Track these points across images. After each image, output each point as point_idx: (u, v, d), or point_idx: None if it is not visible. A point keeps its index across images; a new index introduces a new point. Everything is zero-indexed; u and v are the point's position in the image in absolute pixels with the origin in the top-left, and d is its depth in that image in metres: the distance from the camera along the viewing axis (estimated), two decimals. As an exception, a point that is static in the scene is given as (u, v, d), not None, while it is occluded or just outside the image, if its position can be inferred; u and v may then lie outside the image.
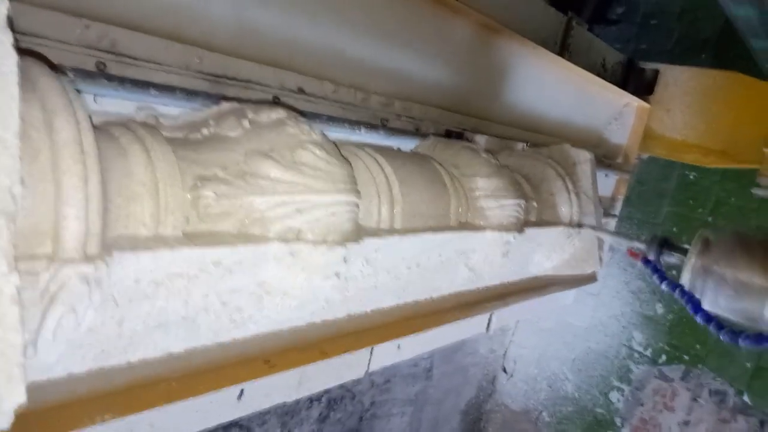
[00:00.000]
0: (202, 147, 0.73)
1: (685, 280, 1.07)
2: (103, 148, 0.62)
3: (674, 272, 1.14)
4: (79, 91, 0.79)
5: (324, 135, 0.83)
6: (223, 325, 0.77)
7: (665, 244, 1.19)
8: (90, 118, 0.57)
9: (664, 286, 1.13)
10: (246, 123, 0.78)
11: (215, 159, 0.72)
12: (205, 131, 0.78)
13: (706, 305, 1.04)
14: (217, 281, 0.70)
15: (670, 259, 1.18)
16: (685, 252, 1.10)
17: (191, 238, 0.66)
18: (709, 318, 1.03)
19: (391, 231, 0.92)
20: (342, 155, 0.83)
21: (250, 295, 0.76)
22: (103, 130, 0.67)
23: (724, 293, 1.02)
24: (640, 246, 1.26)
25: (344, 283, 0.88)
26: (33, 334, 0.53)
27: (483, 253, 1.13)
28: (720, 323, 1.02)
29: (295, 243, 0.74)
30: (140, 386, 0.73)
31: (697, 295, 1.06)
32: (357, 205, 0.82)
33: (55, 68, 0.61)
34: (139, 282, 0.62)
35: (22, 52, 0.57)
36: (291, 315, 0.84)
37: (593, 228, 1.38)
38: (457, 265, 1.12)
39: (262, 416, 2.31)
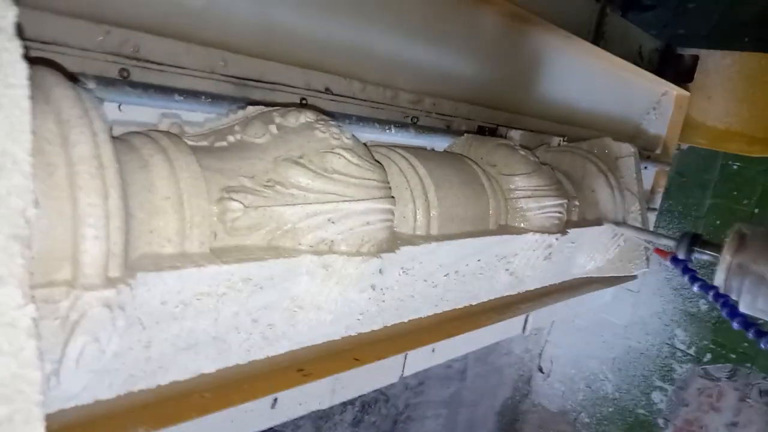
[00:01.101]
0: (228, 155, 0.69)
1: (720, 280, 0.98)
2: (123, 161, 0.58)
3: (710, 273, 1.06)
4: (101, 100, 0.77)
5: (355, 138, 0.78)
6: (255, 343, 0.73)
7: (696, 241, 1.10)
8: (109, 129, 0.53)
9: (696, 288, 1.04)
10: (273, 128, 0.74)
11: (242, 168, 0.68)
12: (231, 138, 0.74)
13: (743, 308, 0.94)
14: (247, 298, 0.66)
15: (703, 257, 1.09)
16: (719, 249, 1.01)
17: (219, 254, 0.62)
18: (747, 323, 0.95)
19: (428, 238, 0.86)
20: (374, 158, 0.78)
21: (282, 311, 0.72)
22: (123, 140, 0.63)
23: (763, 294, 0.93)
24: (668, 243, 1.17)
25: (380, 294, 0.83)
26: (55, 364, 0.49)
27: (524, 256, 1.07)
28: (760, 330, 0.94)
29: (328, 255, 0.69)
30: (173, 399, 0.71)
31: (734, 297, 0.97)
32: (392, 212, 0.77)
33: (70, 76, 0.57)
34: (165, 303, 0.58)
35: (34, 60, 0.54)
36: (326, 330, 0.80)
37: (616, 224, 1.29)
38: (497, 271, 1.06)
39: (295, 421, 2.28)
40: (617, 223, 1.27)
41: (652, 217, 2.43)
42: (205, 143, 0.72)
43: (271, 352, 0.78)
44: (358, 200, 0.71)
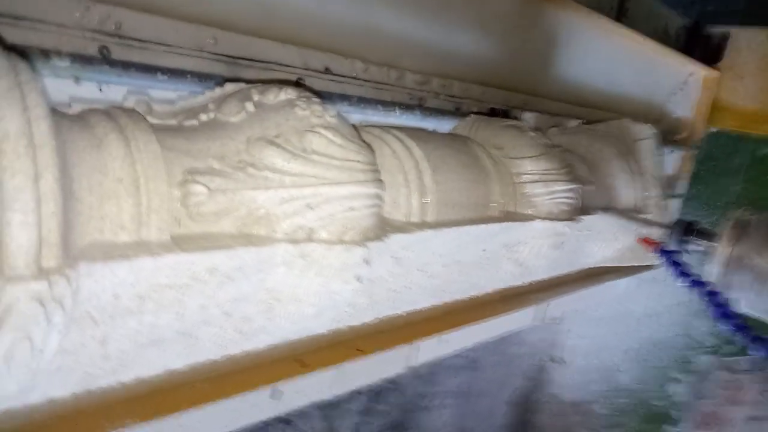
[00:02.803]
0: (196, 135, 0.63)
1: (714, 274, 0.88)
2: (72, 139, 0.53)
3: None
4: (77, 78, 0.72)
5: (341, 116, 0.71)
6: (229, 337, 0.68)
7: (690, 229, 1.00)
8: (47, 104, 0.47)
9: (684, 284, 0.94)
10: (250, 106, 0.68)
11: (211, 149, 0.62)
12: (203, 117, 0.68)
13: (743, 306, 0.85)
14: (215, 290, 0.60)
15: (699, 248, 0.99)
16: (717, 238, 0.92)
17: (181, 242, 0.57)
18: (740, 326, 0.83)
19: (423, 225, 0.80)
20: (361, 139, 0.71)
21: (257, 304, 0.67)
22: (79, 118, 0.58)
23: (766, 291, 0.83)
24: (659, 232, 1.06)
25: (369, 286, 0.77)
26: (-18, 364, 0.44)
27: (532, 245, 0.99)
28: (758, 336, 0.82)
29: (307, 244, 0.63)
30: (165, 389, 0.68)
31: (731, 294, 0.86)
32: (380, 197, 0.70)
33: (12, 48, 0.52)
34: (118, 297, 0.53)
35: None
36: (309, 324, 0.74)
37: (602, 210, 1.16)
38: (502, 260, 0.99)
39: (303, 409, 2.25)
40: (604, 210, 1.15)
41: (677, 204, 2.32)
42: (173, 122, 0.66)
43: (248, 347, 0.73)
44: (341, 183, 0.65)
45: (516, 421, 3.51)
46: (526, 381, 3.47)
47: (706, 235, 0.98)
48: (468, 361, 2.99)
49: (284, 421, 2.22)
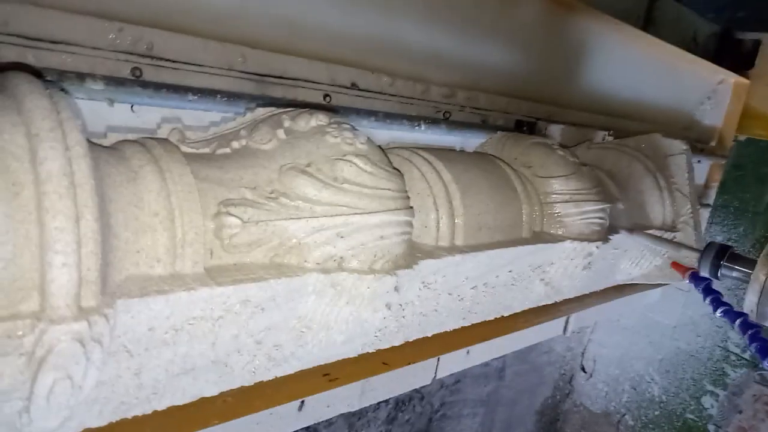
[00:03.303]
0: (229, 164, 0.64)
1: (750, 304, 0.79)
2: (108, 174, 0.53)
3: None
4: (111, 101, 0.73)
5: (371, 142, 0.71)
6: (260, 364, 0.68)
7: (724, 254, 0.91)
8: (86, 141, 0.48)
9: (719, 314, 0.86)
10: (281, 133, 0.68)
11: (244, 178, 0.62)
12: (235, 144, 0.68)
13: None
14: (247, 321, 0.60)
15: (732, 274, 0.90)
16: (752, 265, 0.82)
17: (215, 274, 0.57)
18: None
19: (452, 249, 0.79)
20: (391, 165, 0.71)
21: (289, 332, 0.67)
22: (114, 150, 0.59)
23: None
24: (690, 255, 0.98)
25: (398, 311, 0.77)
26: (24, 402, 0.45)
27: (561, 265, 0.98)
28: None
29: (338, 273, 0.63)
30: (194, 404, 0.67)
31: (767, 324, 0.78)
32: (410, 224, 0.70)
33: (49, 82, 0.52)
34: (153, 329, 0.53)
35: (6, 66, 0.49)
36: (338, 350, 0.74)
37: (629, 231, 1.10)
38: (532, 281, 0.98)
39: (328, 419, 2.25)
40: (630, 231, 1.11)
41: (705, 214, 2.28)
42: (206, 150, 0.66)
43: (279, 373, 0.72)
44: (371, 212, 0.64)
45: (545, 431, 3.47)
46: (554, 390, 3.43)
47: (741, 260, 0.90)
48: (495, 371, 2.96)
49: (310, 428, 2.23)
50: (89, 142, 0.53)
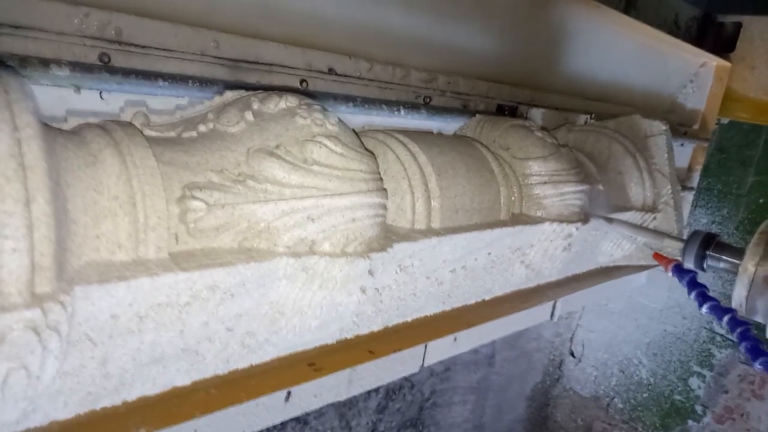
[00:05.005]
0: (195, 147, 0.62)
1: (739, 299, 0.74)
2: (66, 158, 0.52)
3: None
4: (77, 87, 0.71)
5: (342, 123, 0.69)
6: (234, 352, 0.67)
7: (709, 244, 0.84)
8: (38, 122, 0.46)
9: (705, 310, 0.79)
10: (249, 115, 0.66)
11: (210, 161, 0.61)
12: (202, 128, 0.66)
13: None
14: (216, 307, 0.59)
15: (719, 265, 0.83)
16: (740, 255, 0.76)
17: (179, 260, 0.55)
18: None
19: (428, 232, 0.78)
20: (363, 147, 0.69)
21: (261, 318, 0.65)
22: (74, 134, 0.57)
23: None
24: (673, 245, 0.91)
25: (375, 295, 0.76)
26: (-22, 393, 0.43)
27: (541, 248, 0.97)
28: None
29: (309, 257, 0.62)
30: (177, 396, 0.67)
31: (756, 319, 0.74)
32: (383, 206, 0.69)
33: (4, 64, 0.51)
34: (116, 317, 0.52)
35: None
36: (314, 336, 0.73)
37: (606, 220, 1.04)
38: (512, 264, 0.97)
39: (318, 408, 2.24)
40: (608, 219, 1.05)
41: (689, 197, 2.28)
42: (171, 134, 0.65)
43: (255, 360, 0.71)
44: (342, 194, 0.63)
45: (535, 416, 3.50)
46: (544, 376, 3.45)
47: (728, 250, 0.83)
48: (485, 357, 2.97)
49: (300, 420, 2.22)
50: (45, 125, 0.51)
